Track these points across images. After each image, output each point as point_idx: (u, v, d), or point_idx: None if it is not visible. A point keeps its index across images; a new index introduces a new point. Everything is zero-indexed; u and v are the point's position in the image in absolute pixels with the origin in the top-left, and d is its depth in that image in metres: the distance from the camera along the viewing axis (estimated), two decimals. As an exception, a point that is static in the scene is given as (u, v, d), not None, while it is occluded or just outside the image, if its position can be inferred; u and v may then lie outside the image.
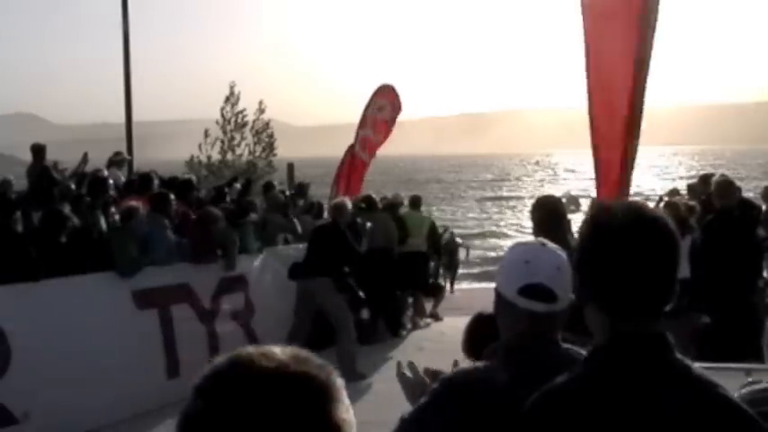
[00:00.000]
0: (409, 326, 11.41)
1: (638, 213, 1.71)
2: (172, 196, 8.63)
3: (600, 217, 1.76)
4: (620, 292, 1.67)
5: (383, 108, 13.02)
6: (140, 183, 9.25)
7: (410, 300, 11.82)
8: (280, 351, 1.02)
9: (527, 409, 1.69)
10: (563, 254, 2.22)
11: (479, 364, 2.21)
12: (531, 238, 2.85)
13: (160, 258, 8.04)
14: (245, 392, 0.97)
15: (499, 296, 2.22)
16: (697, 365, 1.71)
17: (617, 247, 1.67)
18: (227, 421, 0.96)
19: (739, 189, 8.58)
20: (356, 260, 9.53)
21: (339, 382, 1.03)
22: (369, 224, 10.42)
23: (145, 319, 7.70)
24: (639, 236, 1.66)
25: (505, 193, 60.74)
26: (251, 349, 1.03)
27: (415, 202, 12.29)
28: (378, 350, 9.72)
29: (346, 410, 1.01)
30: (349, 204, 9.37)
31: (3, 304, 6.56)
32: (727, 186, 7.95)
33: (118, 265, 7.58)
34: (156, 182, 9.48)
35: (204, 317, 8.36)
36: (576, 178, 74.03)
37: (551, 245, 2.25)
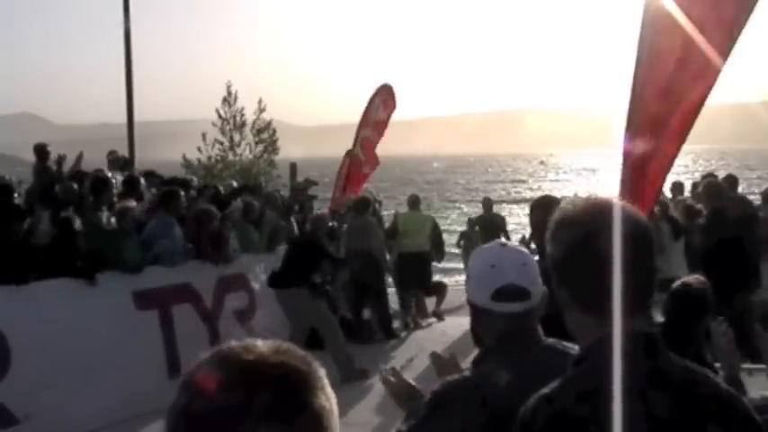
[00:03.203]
0: (411, 325, 11.41)
1: (606, 208, 1.67)
2: (182, 193, 8.67)
3: (571, 216, 1.70)
4: (605, 290, 1.62)
5: (379, 108, 13.08)
6: (127, 185, 9.17)
7: (412, 299, 11.82)
8: (261, 344, 1.05)
9: (521, 417, 1.66)
10: (525, 249, 2.23)
11: (468, 372, 2.21)
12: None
13: (164, 257, 8.05)
14: (227, 384, 0.99)
15: (474, 306, 2.22)
16: (694, 364, 1.70)
17: (594, 244, 1.63)
18: (210, 414, 0.98)
19: (727, 189, 8.59)
20: (338, 267, 9.62)
21: (320, 371, 1.05)
22: (344, 226, 10.55)
23: (145, 319, 7.70)
24: (614, 230, 1.62)
25: (510, 195, 60.40)
26: (234, 343, 1.06)
27: (414, 202, 12.28)
28: (378, 350, 9.71)
29: (327, 399, 1.03)
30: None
31: (3, 305, 6.56)
32: (717, 189, 7.98)
33: (120, 265, 7.59)
34: (143, 183, 9.47)
35: (206, 317, 8.37)
36: (579, 178, 73.95)
37: (511, 243, 2.27)
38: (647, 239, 1.68)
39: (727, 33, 4.87)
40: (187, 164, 21.44)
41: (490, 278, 2.15)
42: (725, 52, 4.86)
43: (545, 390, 1.66)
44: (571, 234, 1.68)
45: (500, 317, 2.14)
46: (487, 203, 14.26)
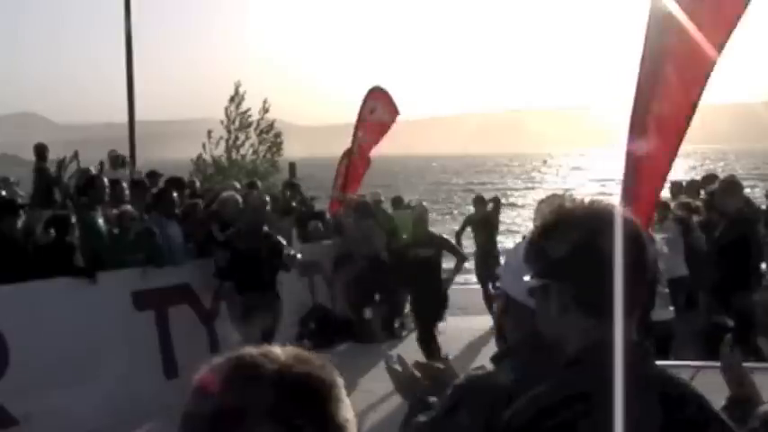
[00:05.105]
0: (412, 325, 11.40)
1: (606, 210, 1.67)
2: (175, 194, 8.65)
3: (574, 215, 1.69)
4: (609, 293, 1.61)
5: (374, 110, 13.04)
6: (111, 190, 9.07)
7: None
8: (281, 351, 1.02)
9: (508, 417, 1.65)
10: None
11: (492, 368, 2.18)
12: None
13: (161, 257, 8.03)
14: (250, 395, 0.96)
15: (508, 298, 2.19)
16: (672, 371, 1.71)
17: (600, 245, 1.61)
18: (232, 424, 0.95)
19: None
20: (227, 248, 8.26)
21: (340, 381, 1.03)
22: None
23: (144, 319, 7.70)
24: (607, 234, 1.61)
25: (512, 196, 60.07)
26: (252, 350, 1.02)
27: (398, 202, 12.44)
28: (376, 350, 9.69)
29: (348, 410, 1.01)
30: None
31: (2, 305, 6.55)
32: (737, 187, 7.94)
33: (118, 267, 7.58)
34: (126, 187, 9.42)
35: (204, 317, 8.36)
36: (581, 179, 73.93)
37: None
38: (644, 244, 1.68)
39: (724, 31, 4.87)
40: (198, 163, 21.39)
41: None
42: (720, 50, 4.87)
43: (534, 391, 1.65)
44: (575, 233, 1.65)
45: (534, 313, 2.13)
46: (478, 201, 12.76)
